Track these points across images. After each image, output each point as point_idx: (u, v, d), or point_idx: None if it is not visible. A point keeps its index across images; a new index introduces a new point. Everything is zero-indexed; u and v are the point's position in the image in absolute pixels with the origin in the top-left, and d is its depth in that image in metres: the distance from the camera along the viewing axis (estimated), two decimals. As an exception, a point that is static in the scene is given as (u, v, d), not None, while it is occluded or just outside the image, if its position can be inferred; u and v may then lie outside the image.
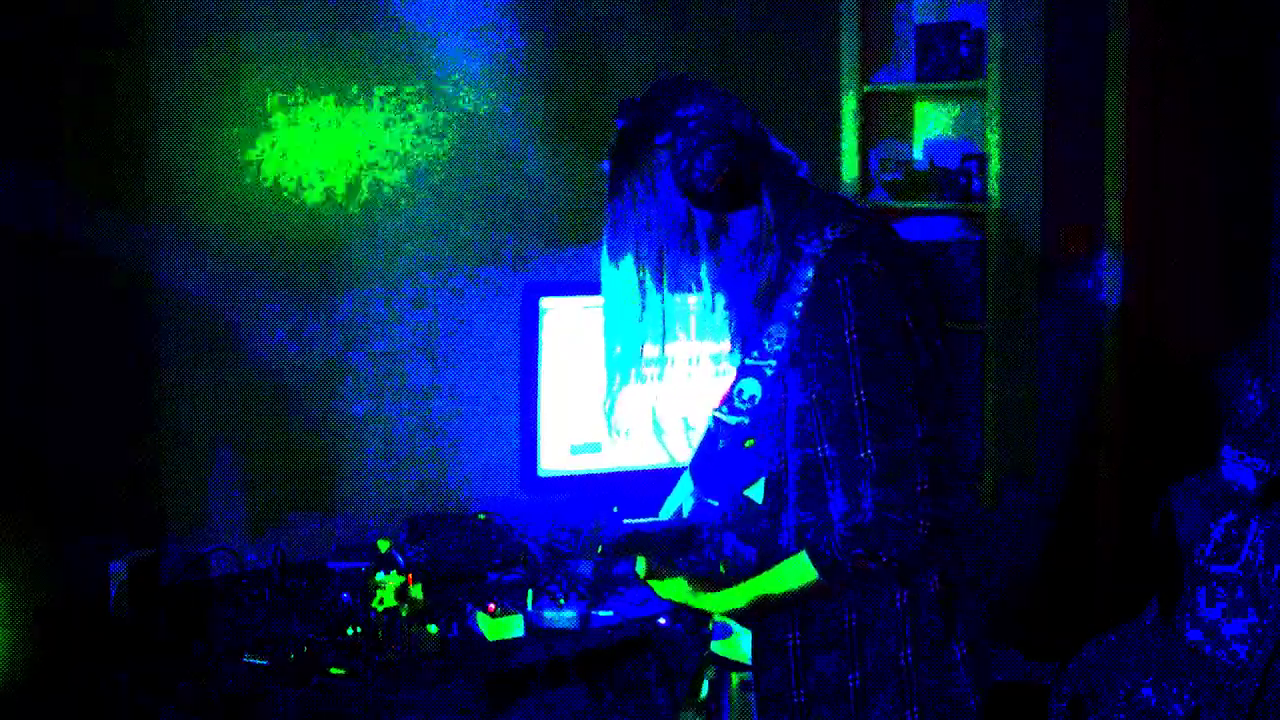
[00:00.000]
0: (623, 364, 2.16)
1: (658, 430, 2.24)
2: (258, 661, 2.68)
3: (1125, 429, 4.36)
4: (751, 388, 2.09)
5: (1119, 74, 4.26)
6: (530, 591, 2.99)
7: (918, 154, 4.43)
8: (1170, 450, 4.18)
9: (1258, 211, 4.58)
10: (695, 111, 2.06)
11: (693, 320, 2.20)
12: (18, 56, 2.83)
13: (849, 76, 4.32)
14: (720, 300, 2.14)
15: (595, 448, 3.38)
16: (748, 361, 2.10)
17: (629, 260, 2.09)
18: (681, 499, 2.30)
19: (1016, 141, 4.10)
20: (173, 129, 3.11)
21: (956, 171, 4.21)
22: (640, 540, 2.20)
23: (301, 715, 2.57)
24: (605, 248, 2.12)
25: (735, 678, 2.20)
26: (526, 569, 3.19)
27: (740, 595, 2.13)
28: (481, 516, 3.41)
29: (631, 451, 3.22)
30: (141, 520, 3.09)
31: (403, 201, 3.45)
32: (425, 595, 2.87)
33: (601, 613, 2.96)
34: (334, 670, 2.67)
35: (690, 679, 2.31)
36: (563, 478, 3.41)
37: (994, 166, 4.09)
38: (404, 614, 2.80)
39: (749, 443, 2.11)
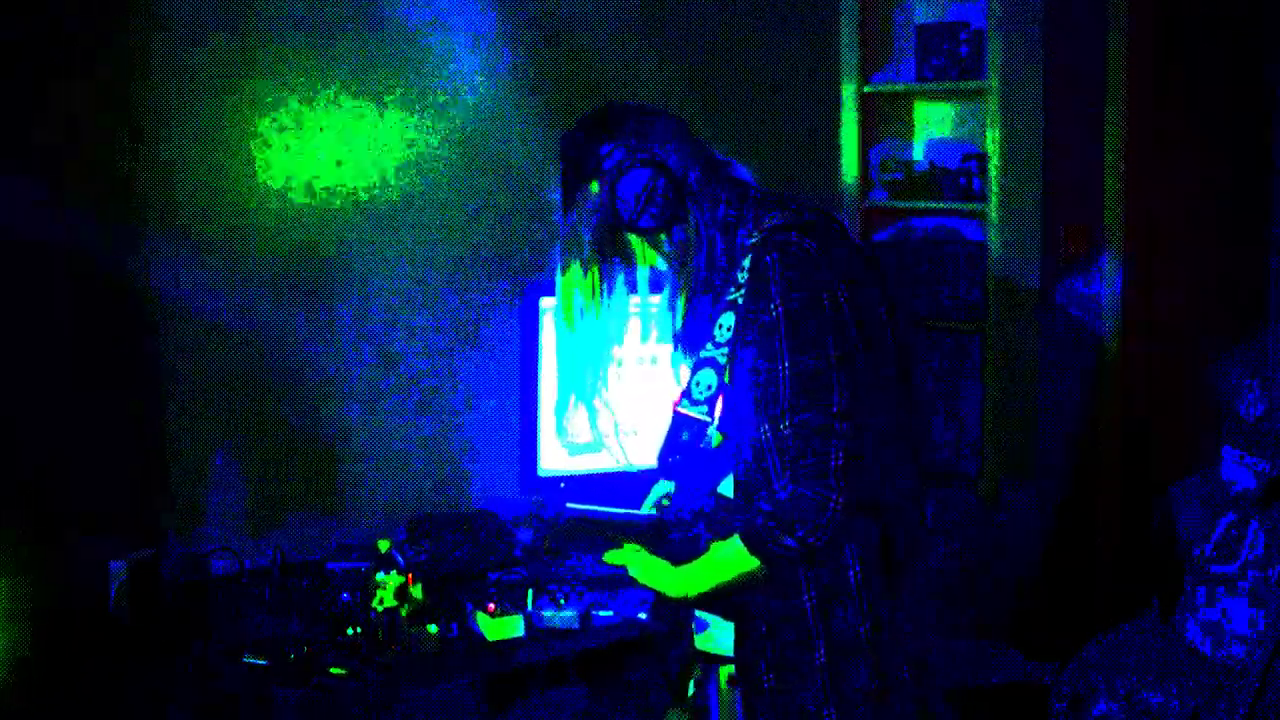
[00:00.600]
0: (575, 373, 2.27)
1: (609, 431, 2.30)
2: (258, 661, 2.68)
3: (1125, 429, 4.36)
4: (708, 378, 2.15)
5: (1119, 74, 4.26)
6: (530, 591, 2.99)
7: (918, 154, 4.43)
8: (1170, 450, 4.19)
9: (1257, 211, 4.58)
10: (615, 143, 2.18)
11: (637, 325, 2.29)
12: (14, 59, 2.83)
13: (849, 76, 4.32)
14: (664, 303, 2.24)
15: (595, 448, 3.38)
16: (703, 353, 2.16)
17: (575, 276, 2.21)
18: (658, 496, 2.33)
19: (1016, 141, 4.10)
20: (170, 132, 3.11)
21: (956, 171, 4.21)
22: (598, 525, 2.23)
23: (301, 715, 2.57)
24: (558, 268, 2.24)
25: (723, 673, 2.22)
26: (527, 569, 3.19)
27: (689, 578, 2.17)
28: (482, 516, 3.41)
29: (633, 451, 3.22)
30: (141, 520, 3.09)
31: (403, 203, 3.45)
32: (425, 595, 2.87)
33: (601, 613, 2.96)
34: (334, 670, 2.67)
35: (677, 678, 2.32)
36: (563, 478, 3.41)
37: (994, 166, 4.09)
38: (404, 614, 2.81)
39: (718, 440, 2.15)
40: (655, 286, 2.26)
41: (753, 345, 2.07)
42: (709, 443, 2.17)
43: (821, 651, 2.11)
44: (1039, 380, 4.26)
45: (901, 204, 4.32)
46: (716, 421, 2.16)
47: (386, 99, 3.40)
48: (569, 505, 2.24)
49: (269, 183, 3.25)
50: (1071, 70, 4.20)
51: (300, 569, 3.17)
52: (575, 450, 3.40)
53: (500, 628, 2.86)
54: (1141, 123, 4.28)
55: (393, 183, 3.43)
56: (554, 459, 3.40)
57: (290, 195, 3.28)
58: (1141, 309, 4.34)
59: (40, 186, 2.89)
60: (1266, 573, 3.02)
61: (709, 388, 2.14)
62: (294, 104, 3.27)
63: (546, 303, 3.36)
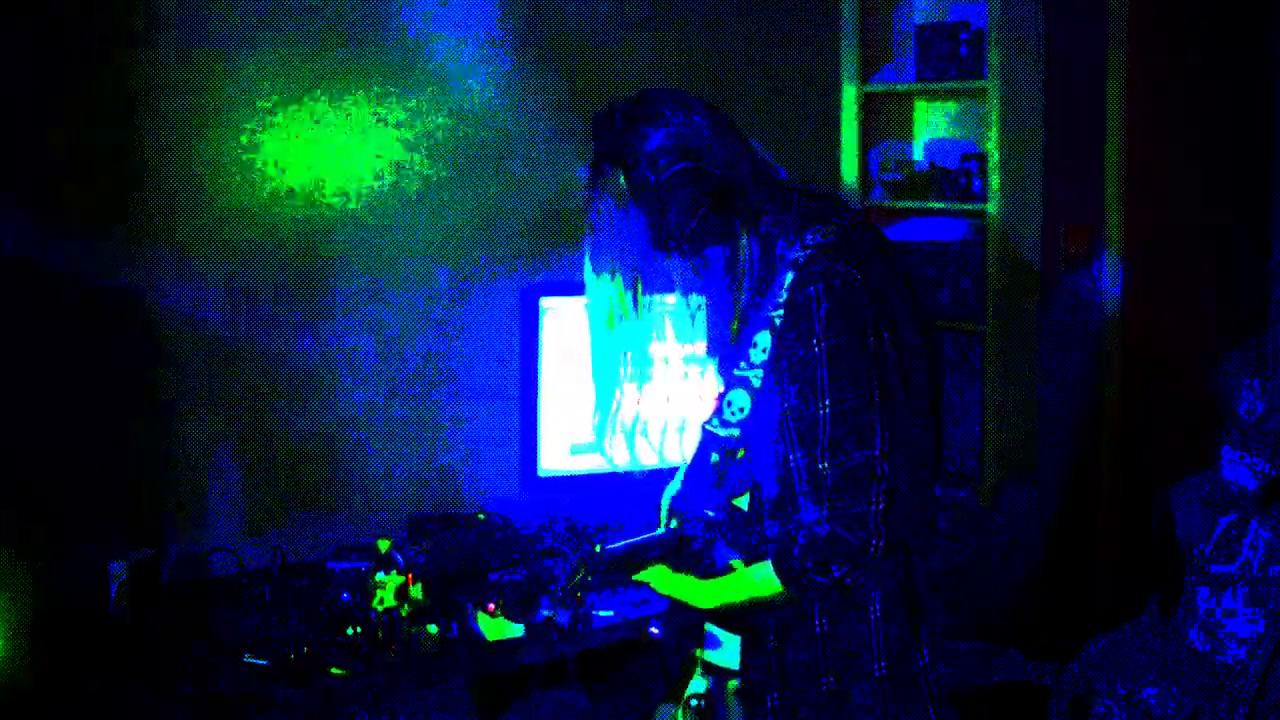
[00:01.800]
0: (607, 375, 2.18)
1: (639, 431, 2.24)
2: (258, 661, 2.68)
3: (1125, 429, 4.36)
4: (740, 399, 2.09)
5: (1119, 73, 4.26)
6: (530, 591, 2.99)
7: (918, 154, 4.43)
8: (1170, 450, 4.18)
9: (1258, 211, 4.58)
10: (657, 144, 2.06)
11: (671, 324, 2.22)
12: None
13: (849, 76, 4.32)
14: (701, 311, 2.16)
15: (596, 448, 3.38)
16: (735, 372, 2.10)
17: (608, 275, 2.11)
18: (669, 507, 2.30)
19: (1016, 141, 4.10)
20: (166, 137, 3.11)
21: (956, 171, 4.21)
22: (623, 562, 2.19)
23: (301, 715, 2.57)
24: (587, 259, 2.13)
25: (730, 685, 2.21)
26: (528, 570, 3.19)
27: (714, 591, 2.14)
28: (481, 516, 3.41)
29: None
30: (141, 520, 3.09)
31: (402, 203, 3.45)
32: (425, 595, 2.87)
33: (601, 613, 2.96)
34: (334, 670, 2.67)
35: (677, 675, 2.31)
36: (563, 478, 3.41)
37: (994, 166, 4.09)
38: (404, 614, 2.81)
39: (740, 453, 2.12)
40: (689, 287, 2.18)
41: (791, 375, 2.02)
42: (736, 461, 2.13)
43: (830, 678, 2.09)
44: (1039, 380, 4.26)
45: (901, 204, 4.32)
46: (744, 439, 2.12)
47: (383, 100, 3.40)
48: (606, 549, 2.18)
49: (265, 188, 3.25)
50: (1071, 70, 4.20)
51: (300, 569, 3.17)
52: (576, 450, 3.41)
53: (500, 628, 2.86)
54: (1142, 123, 4.28)
55: (391, 185, 3.43)
56: (554, 459, 3.40)
57: (289, 198, 3.28)
58: (1141, 309, 4.34)
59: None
60: (1266, 572, 3.02)
61: (741, 410, 2.08)
62: (289, 103, 3.27)
63: (547, 303, 3.36)
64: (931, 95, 4.34)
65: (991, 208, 4.10)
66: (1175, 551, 3.19)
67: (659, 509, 2.30)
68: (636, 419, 2.24)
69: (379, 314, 3.43)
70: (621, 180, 2.08)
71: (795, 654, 2.10)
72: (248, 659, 2.69)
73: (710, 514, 2.17)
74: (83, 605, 2.85)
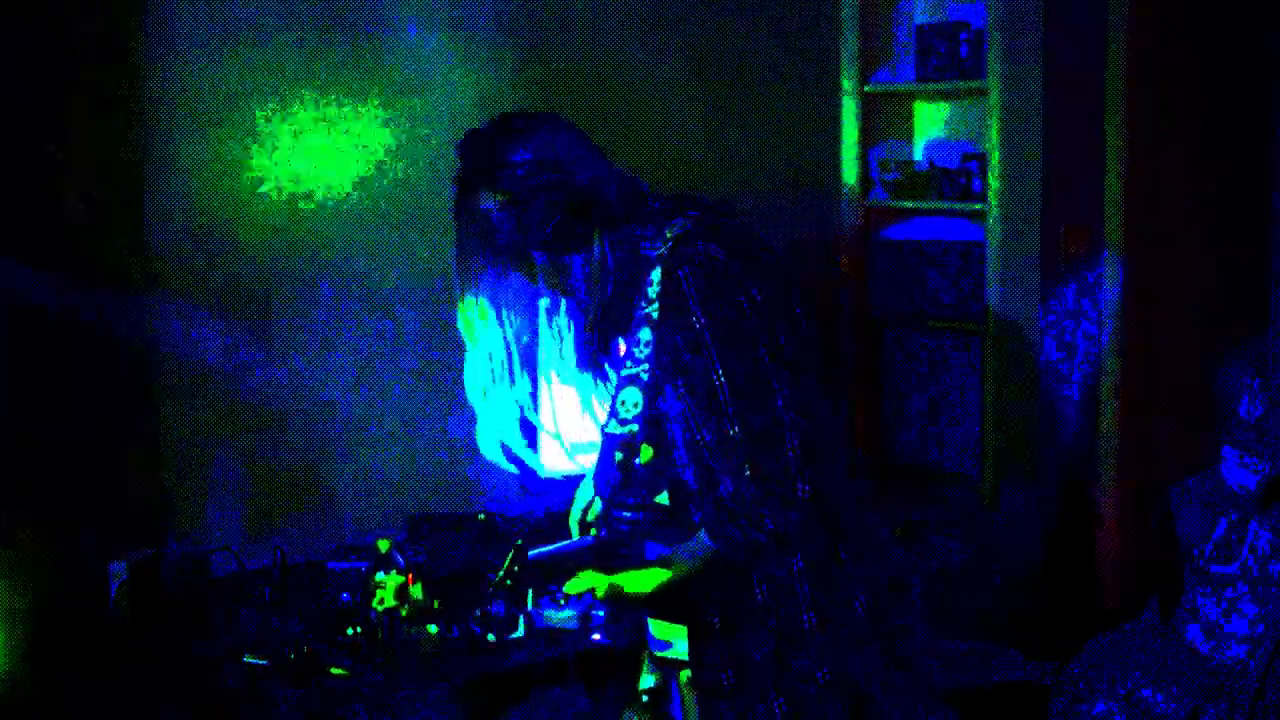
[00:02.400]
0: (478, 390, 2.27)
1: (522, 443, 2.29)
2: (258, 661, 2.68)
3: (1125, 429, 4.36)
4: (633, 395, 2.15)
5: (1119, 74, 4.26)
6: (530, 591, 2.99)
7: (918, 154, 4.43)
8: (1170, 450, 4.19)
9: (1258, 211, 4.58)
10: (522, 158, 2.13)
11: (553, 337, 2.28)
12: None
13: (849, 76, 4.32)
14: (570, 322, 2.25)
15: (595, 448, 3.38)
16: (624, 371, 2.16)
17: (472, 293, 2.19)
18: (584, 515, 2.33)
19: (1016, 141, 4.10)
20: (163, 145, 3.11)
21: (956, 171, 4.21)
22: (551, 569, 2.21)
23: (301, 715, 2.57)
24: (455, 276, 2.19)
25: (683, 675, 2.22)
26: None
27: (651, 576, 2.15)
28: (481, 516, 3.41)
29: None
30: (141, 520, 3.09)
31: (395, 204, 3.45)
32: (425, 595, 2.87)
33: (601, 613, 2.96)
34: (334, 670, 2.67)
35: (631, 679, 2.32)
36: (563, 478, 3.40)
37: (994, 166, 4.09)
38: (404, 614, 2.81)
39: (645, 455, 2.15)
40: (554, 299, 2.26)
41: (680, 359, 2.07)
42: (641, 459, 2.17)
43: (769, 644, 2.12)
44: (1039, 380, 4.26)
45: (901, 204, 4.32)
46: (642, 435, 2.15)
47: (371, 100, 3.40)
48: (531, 555, 2.22)
49: (268, 184, 3.25)
50: (1071, 70, 4.20)
51: (300, 569, 3.17)
52: (576, 450, 3.40)
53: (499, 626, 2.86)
54: (1141, 123, 4.28)
55: (388, 181, 3.43)
56: (554, 459, 3.40)
57: (289, 194, 3.28)
58: (1141, 309, 4.34)
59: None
60: (1267, 572, 3.02)
61: (635, 405, 2.14)
62: (280, 108, 3.28)
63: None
64: (931, 95, 4.34)
65: (991, 208, 4.10)
66: (1175, 551, 3.19)
67: (583, 520, 2.34)
68: (555, 434, 2.30)
69: (377, 313, 3.43)
70: (488, 196, 2.14)
71: (743, 632, 2.13)
72: (248, 659, 2.69)
73: (627, 515, 2.20)
74: (83, 605, 2.85)
